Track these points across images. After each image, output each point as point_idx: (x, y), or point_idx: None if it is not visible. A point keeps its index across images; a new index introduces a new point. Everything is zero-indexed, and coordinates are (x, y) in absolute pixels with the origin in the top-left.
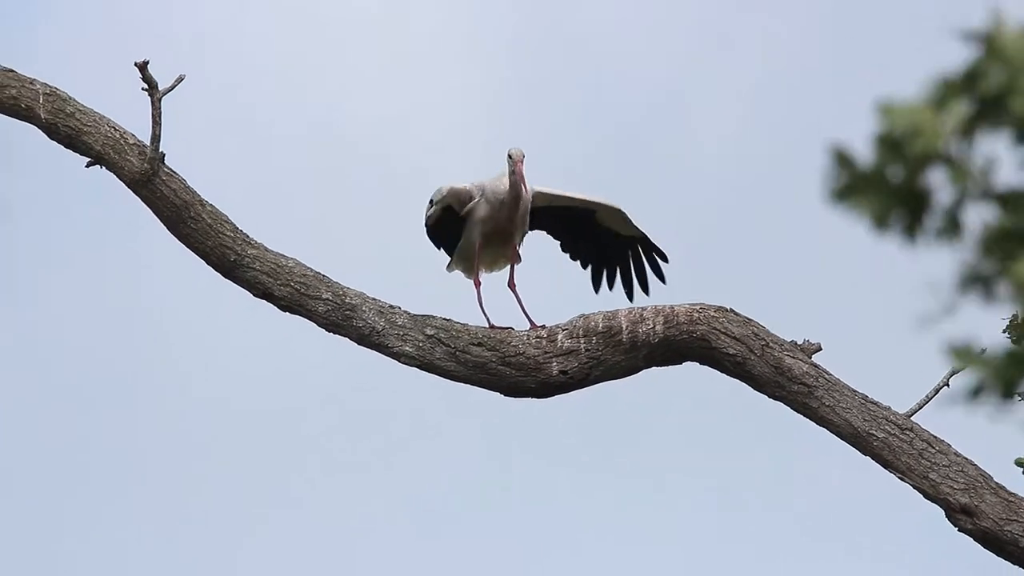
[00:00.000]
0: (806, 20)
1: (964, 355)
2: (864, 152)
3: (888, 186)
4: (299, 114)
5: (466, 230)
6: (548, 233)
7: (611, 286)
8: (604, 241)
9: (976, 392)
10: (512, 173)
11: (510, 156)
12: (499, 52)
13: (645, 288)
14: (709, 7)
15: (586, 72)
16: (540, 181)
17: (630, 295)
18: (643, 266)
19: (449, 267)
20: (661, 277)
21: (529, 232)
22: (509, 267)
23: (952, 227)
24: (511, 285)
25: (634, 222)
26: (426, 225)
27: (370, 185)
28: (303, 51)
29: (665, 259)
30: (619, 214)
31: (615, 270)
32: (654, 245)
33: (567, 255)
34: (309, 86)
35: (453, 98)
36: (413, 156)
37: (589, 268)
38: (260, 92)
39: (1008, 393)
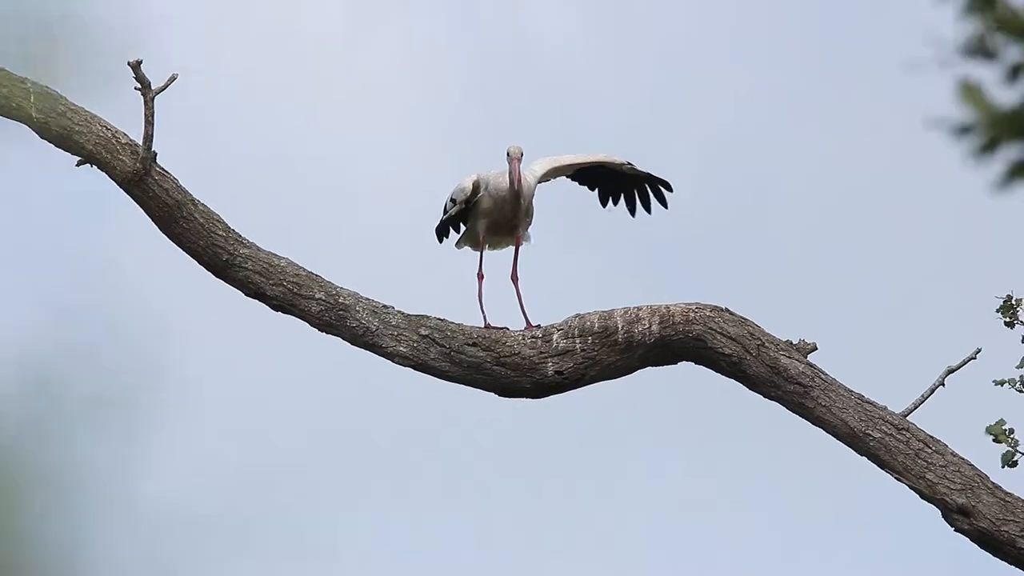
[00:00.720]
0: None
1: (970, 93)
2: None
3: None
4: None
5: (471, 219)
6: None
7: (616, 202)
8: (616, 177)
9: (990, 144)
10: (510, 172)
11: (508, 154)
12: (459, 75)
13: (648, 207)
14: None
15: (547, 96)
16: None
17: (632, 211)
18: (647, 194)
19: (458, 244)
20: (664, 203)
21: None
22: (513, 258)
23: None
24: (514, 278)
25: (638, 168)
26: (443, 222)
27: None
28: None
29: (670, 188)
30: (624, 166)
31: (623, 194)
32: (659, 179)
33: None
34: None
35: (415, 118)
36: (379, 170)
37: (597, 191)
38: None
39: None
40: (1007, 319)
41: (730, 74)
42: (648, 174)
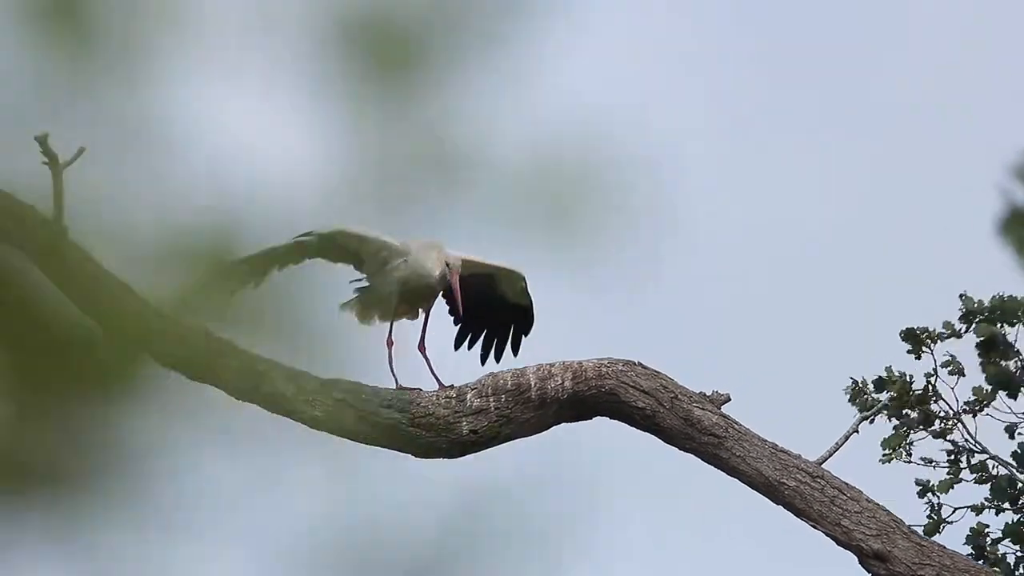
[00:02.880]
0: None
1: None
2: None
3: None
4: None
5: (379, 281)
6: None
7: (470, 346)
8: (493, 305)
9: None
10: (446, 277)
11: (448, 266)
12: None
13: (516, 351)
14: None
15: None
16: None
17: (495, 358)
18: (508, 334)
19: (348, 309)
20: (515, 349)
21: None
22: (422, 328)
23: None
24: (421, 348)
25: (528, 290)
26: (288, 245)
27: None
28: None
29: (527, 333)
30: (519, 279)
31: (482, 333)
32: (530, 318)
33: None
34: None
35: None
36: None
37: (458, 327)
38: None
39: None
40: (860, 409)
41: None
42: (529, 305)
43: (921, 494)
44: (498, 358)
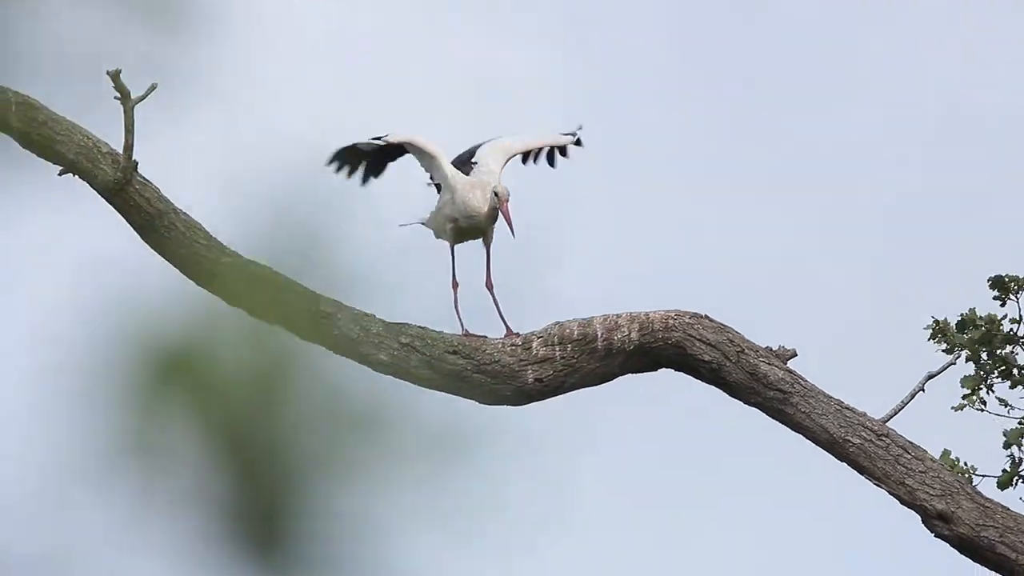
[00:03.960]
0: None
1: None
2: None
3: None
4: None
5: (433, 215)
6: None
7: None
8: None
9: None
10: (496, 207)
11: (497, 195)
12: None
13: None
14: None
15: None
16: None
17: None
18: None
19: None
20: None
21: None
22: (486, 264)
23: None
24: (488, 285)
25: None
26: (351, 148)
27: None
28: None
29: (579, 143)
30: (567, 138)
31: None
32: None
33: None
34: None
35: None
36: None
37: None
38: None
39: None
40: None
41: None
42: (577, 141)
43: (1006, 445)
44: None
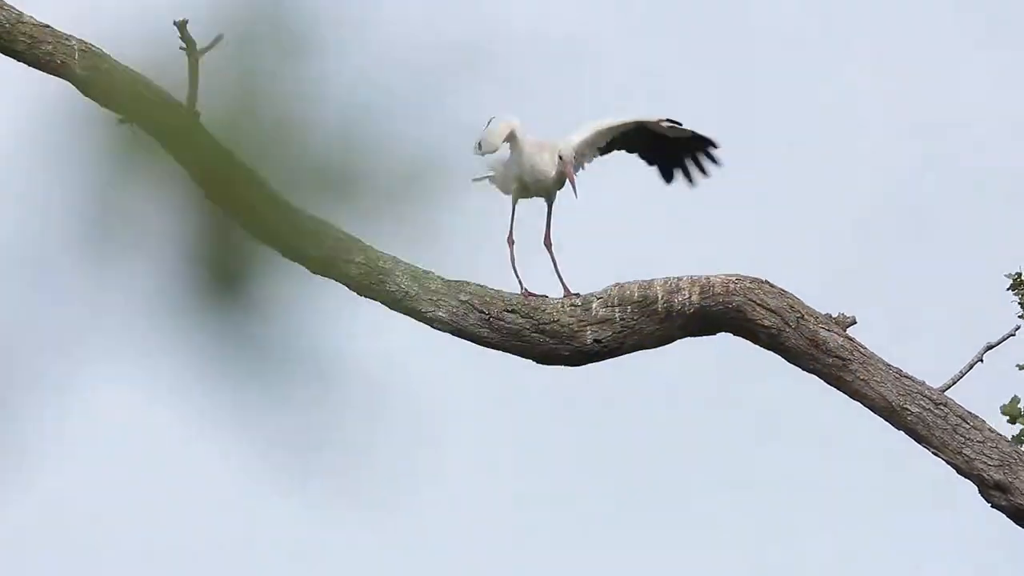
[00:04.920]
0: None
1: None
2: None
3: None
4: None
5: (501, 174)
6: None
7: (670, 179)
8: (653, 142)
9: None
10: (562, 173)
11: (561, 157)
12: None
13: (703, 170)
14: None
15: None
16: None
17: (689, 179)
18: (697, 158)
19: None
20: (713, 160)
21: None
22: (546, 222)
23: None
24: (547, 243)
25: (679, 126)
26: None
27: None
28: None
29: (715, 145)
30: (663, 123)
31: (675, 166)
32: (704, 137)
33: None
34: None
35: None
36: None
37: (657, 167)
38: None
39: None
40: (1021, 299)
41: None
42: (692, 132)
43: None
44: (703, 171)
